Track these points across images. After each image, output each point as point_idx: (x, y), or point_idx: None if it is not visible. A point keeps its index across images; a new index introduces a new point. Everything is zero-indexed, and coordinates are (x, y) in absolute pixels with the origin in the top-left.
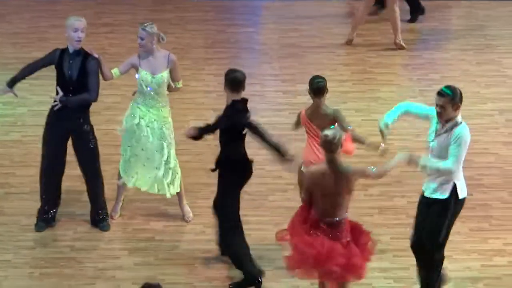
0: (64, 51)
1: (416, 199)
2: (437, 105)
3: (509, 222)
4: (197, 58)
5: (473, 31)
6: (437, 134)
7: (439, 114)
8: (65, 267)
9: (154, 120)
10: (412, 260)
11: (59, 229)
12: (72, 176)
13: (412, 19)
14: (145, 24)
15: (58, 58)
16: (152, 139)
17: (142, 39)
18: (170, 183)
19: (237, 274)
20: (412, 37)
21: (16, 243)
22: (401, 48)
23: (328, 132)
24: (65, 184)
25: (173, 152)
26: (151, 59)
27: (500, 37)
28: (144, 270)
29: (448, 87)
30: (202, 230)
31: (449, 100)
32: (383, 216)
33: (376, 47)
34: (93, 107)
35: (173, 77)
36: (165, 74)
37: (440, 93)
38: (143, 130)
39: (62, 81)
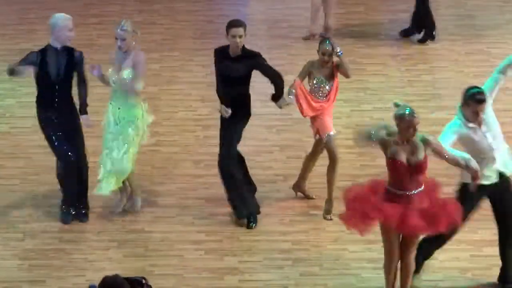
0: (44, 51)
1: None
2: (480, 112)
3: None
4: (185, 49)
5: (462, 21)
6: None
7: (480, 123)
8: (55, 258)
9: (123, 118)
10: None
11: (49, 220)
12: None
13: (406, 34)
14: (122, 24)
15: (40, 61)
16: (115, 135)
17: (123, 39)
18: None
19: (230, 265)
20: (400, 27)
21: (5, 235)
22: (327, 30)
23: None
24: (53, 175)
25: (130, 154)
26: (121, 55)
27: (489, 27)
28: (134, 262)
29: (478, 91)
30: (191, 221)
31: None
32: None
33: (365, 38)
34: None
35: (135, 74)
36: (127, 72)
37: (482, 100)
38: (110, 126)
39: (46, 80)
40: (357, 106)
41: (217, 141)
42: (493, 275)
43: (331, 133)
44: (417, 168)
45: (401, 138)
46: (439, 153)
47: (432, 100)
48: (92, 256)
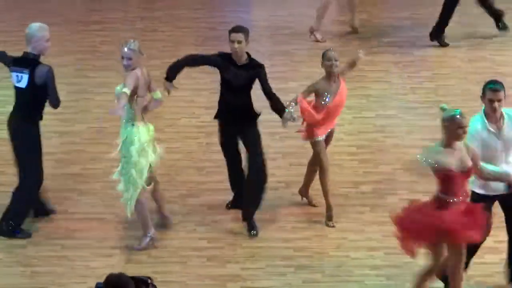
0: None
1: (408, 196)
2: (494, 101)
3: (500, 219)
4: None
5: (465, 28)
6: (499, 130)
7: (495, 109)
8: (57, 265)
9: (125, 138)
10: (404, 258)
11: (51, 227)
12: (64, 174)
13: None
14: (129, 43)
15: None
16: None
17: (130, 58)
18: (128, 201)
19: (232, 272)
20: (403, 34)
21: (8, 241)
22: (355, 31)
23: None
24: (56, 182)
25: (130, 174)
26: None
27: (492, 35)
28: (136, 269)
29: (494, 81)
30: (194, 228)
31: (504, 91)
32: (374, 213)
33: (368, 44)
34: (84, 105)
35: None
36: (119, 87)
37: (496, 89)
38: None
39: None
40: (359, 113)
41: (219, 147)
42: (496, 282)
43: (319, 138)
44: (467, 174)
45: (449, 142)
46: (475, 163)
47: (435, 107)
48: (95, 263)
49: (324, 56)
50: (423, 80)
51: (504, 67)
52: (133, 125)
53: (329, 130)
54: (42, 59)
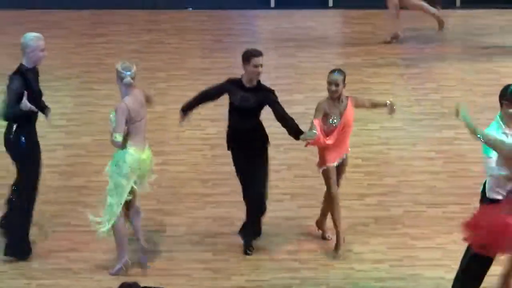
0: (23, 74)
1: (412, 208)
2: None
3: None
4: (193, 68)
5: (470, 40)
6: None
7: None
8: (62, 278)
9: (113, 157)
10: (409, 270)
11: (56, 240)
12: (68, 186)
13: None
14: (123, 61)
15: (29, 82)
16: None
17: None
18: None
19: (237, 284)
20: (408, 46)
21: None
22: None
23: None
24: (61, 195)
25: (111, 199)
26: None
27: (497, 46)
28: (141, 281)
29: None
30: (198, 240)
31: None
32: (379, 225)
33: (372, 57)
34: (89, 118)
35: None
36: (112, 115)
37: None
38: None
39: (37, 99)
40: (364, 125)
41: (224, 160)
42: None
43: (328, 166)
44: None
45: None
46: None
47: (440, 119)
48: (99, 275)
49: (327, 76)
50: (428, 92)
51: (509, 79)
52: (123, 149)
53: (343, 157)
54: (47, 70)
